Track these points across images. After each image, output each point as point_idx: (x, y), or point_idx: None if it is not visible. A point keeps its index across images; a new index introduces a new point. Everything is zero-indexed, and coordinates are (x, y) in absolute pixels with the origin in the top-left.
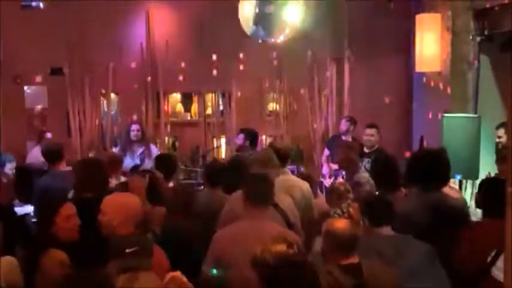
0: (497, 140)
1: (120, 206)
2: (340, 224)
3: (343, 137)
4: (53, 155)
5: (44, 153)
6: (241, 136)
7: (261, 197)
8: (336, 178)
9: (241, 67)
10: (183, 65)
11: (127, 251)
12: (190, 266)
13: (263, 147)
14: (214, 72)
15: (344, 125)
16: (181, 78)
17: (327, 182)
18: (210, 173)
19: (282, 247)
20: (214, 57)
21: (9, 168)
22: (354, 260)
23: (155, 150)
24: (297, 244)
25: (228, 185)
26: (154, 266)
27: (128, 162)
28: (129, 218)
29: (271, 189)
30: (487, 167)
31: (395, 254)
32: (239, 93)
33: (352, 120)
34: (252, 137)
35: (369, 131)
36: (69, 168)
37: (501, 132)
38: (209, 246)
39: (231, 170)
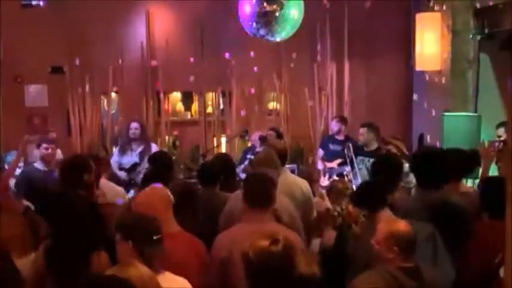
0: (497, 139)
1: None
2: (403, 226)
3: (336, 137)
4: None
5: None
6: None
7: (261, 199)
8: (330, 177)
9: (241, 66)
10: (183, 64)
11: (155, 238)
12: None
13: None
14: (215, 71)
15: (335, 125)
16: (181, 77)
17: (322, 180)
18: (204, 173)
19: (265, 243)
20: (214, 56)
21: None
22: (412, 262)
23: (155, 149)
24: (286, 242)
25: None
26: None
27: (127, 160)
28: None
29: (273, 190)
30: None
31: None
32: (244, 92)
33: (343, 120)
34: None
35: (360, 130)
36: None
37: (501, 131)
38: (210, 250)
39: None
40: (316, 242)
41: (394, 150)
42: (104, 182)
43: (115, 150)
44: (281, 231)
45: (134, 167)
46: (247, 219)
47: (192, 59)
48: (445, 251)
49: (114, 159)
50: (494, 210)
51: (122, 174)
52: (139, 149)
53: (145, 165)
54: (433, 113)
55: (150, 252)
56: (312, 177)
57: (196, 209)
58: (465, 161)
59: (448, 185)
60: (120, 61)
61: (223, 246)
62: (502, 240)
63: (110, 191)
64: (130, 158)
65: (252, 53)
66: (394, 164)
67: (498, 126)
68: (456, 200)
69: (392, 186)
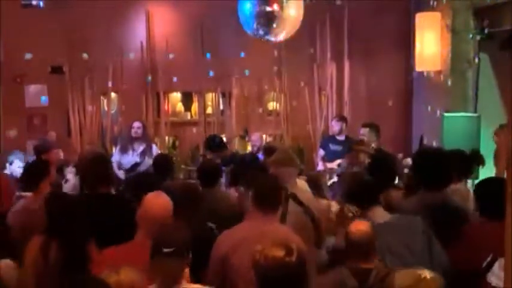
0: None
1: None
2: (360, 227)
3: (337, 137)
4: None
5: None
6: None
7: (271, 202)
8: (331, 177)
9: (241, 66)
10: (183, 64)
11: (165, 250)
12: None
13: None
14: (215, 71)
15: (336, 125)
16: (181, 77)
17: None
18: (204, 173)
19: (279, 252)
20: (214, 56)
21: (19, 166)
22: (369, 264)
23: (156, 150)
24: (299, 252)
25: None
26: None
27: (128, 160)
28: None
29: (281, 195)
30: (487, 167)
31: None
32: (243, 92)
33: (343, 119)
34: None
35: (361, 131)
36: None
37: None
38: (212, 247)
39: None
40: (331, 240)
41: (363, 156)
42: None
43: (115, 149)
44: (283, 233)
45: (135, 166)
46: (252, 219)
47: (191, 59)
48: (438, 243)
49: (115, 159)
50: (489, 211)
51: (121, 174)
52: (141, 149)
53: (145, 165)
54: (433, 113)
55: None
56: (319, 182)
57: (198, 209)
58: (466, 161)
59: (450, 187)
60: (119, 61)
61: (223, 244)
62: (490, 243)
63: None
64: (131, 158)
65: (251, 53)
66: (390, 163)
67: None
68: (456, 202)
69: (387, 184)
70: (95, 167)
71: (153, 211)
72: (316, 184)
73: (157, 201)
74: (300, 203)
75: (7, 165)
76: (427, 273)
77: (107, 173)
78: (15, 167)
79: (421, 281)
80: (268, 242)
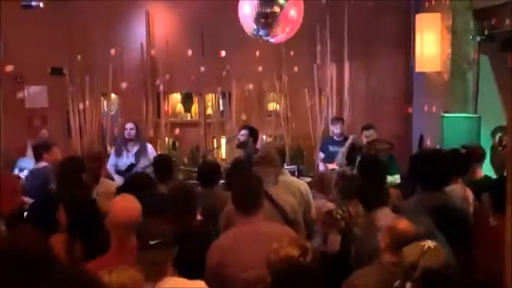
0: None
1: None
2: (404, 225)
3: (335, 138)
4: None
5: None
6: (245, 132)
7: (248, 203)
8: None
9: (241, 67)
10: (183, 64)
11: (151, 243)
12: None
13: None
14: (215, 72)
15: (336, 128)
16: (181, 77)
17: None
18: (203, 173)
19: (294, 252)
20: (214, 57)
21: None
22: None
23: (150, 149)
24: (313, 251)
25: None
26: None
27: (123, 162)
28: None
29: (259, 192)
30: (487, 167)
31: None
32: (244, 93)
33: (340, 120)
34: (254, 134)
35: (365, 132)
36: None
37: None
38: (206, 257)
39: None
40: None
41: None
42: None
43: (111, 152)
44: (282, 229)
45: (130, 168)
46: (237, 223)
47: (191, 60)
48: (447, 245)
49: (111, 163)
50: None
51: (118, 180)
52: (135, 150)
53: (141, 165)
54: (433, 114)
55: (144, 257)
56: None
57: (195, 210)
58: (462, 159)
59: (449, 186)
60: (119, 62)
61: (215, 253)
62: None
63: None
64: (126, 159)
65: (251, 54)
66: (380, 164)
67: (493, 133)
68: (457, 203)
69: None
70: (65, 170)
71: (118, 217)
72: (322, 185)
73: (122, 206)
74: (274, 203)
75: (16, 170)
76: (429, 243)
77: (76, 175)
78: (23, 174)
79: (426, 251)
80: (260, 242)
